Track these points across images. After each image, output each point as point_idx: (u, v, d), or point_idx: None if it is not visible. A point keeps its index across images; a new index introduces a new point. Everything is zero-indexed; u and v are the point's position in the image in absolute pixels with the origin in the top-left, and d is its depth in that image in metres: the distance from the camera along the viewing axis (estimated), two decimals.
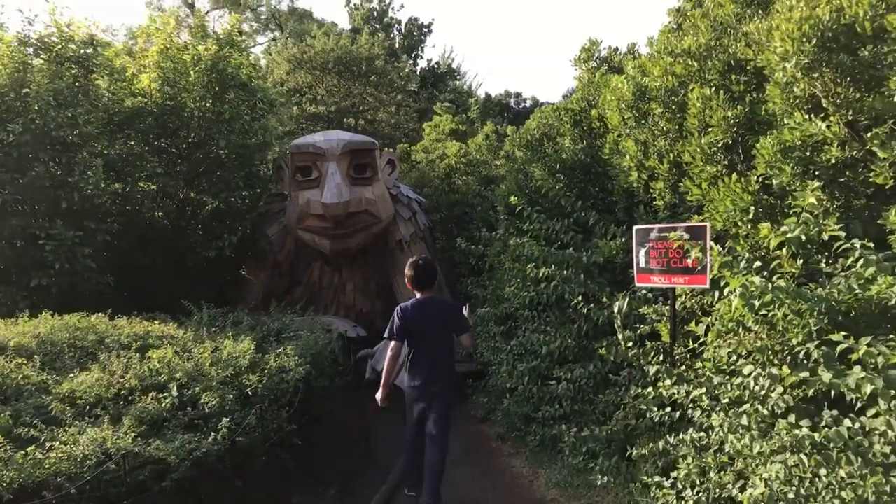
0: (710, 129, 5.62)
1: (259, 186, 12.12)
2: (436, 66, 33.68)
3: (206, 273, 11.37)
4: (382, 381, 6.38)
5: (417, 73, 30.93)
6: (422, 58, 33.22)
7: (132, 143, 11.29)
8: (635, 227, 5.90)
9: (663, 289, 5.93)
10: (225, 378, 5.83)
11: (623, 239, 6.94)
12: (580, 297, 6.73)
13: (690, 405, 4.97)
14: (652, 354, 5.68)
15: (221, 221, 11.31)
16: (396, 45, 31.41)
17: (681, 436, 5.00)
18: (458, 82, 34.29)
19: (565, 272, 6.81)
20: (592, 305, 6.53)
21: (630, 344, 5.85)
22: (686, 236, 5.25)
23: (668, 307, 5.84)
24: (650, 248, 5.79)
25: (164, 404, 5.13)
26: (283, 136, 13.79)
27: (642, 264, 5.84)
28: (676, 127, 6.16)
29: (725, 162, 5.59)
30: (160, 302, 9.71)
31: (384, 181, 11.61)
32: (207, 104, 11.19)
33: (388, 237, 11.82)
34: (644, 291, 6.26)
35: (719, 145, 5.55)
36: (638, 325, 6.07)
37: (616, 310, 6.02)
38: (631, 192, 7.19)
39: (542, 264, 7.06)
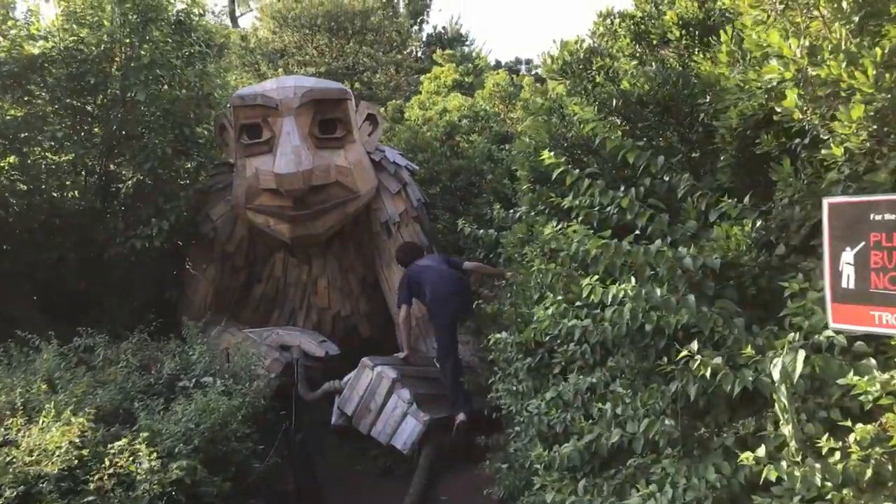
0: None
1: (198, 154, 8.89)
2: (443, 30, 30.51)
3: (135, 269, 8.47)
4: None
5: (423, 39, 27.86)
6: (427, 23, 30.01)
7: (33, 101, 8.33)
8: (827, 201, 2.64)
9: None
10: None
11: (760, 222, 3.62)
12: (678, 332, 3.48)
13: None
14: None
15: (148, 201, 8.19)
16: (401, 8, 28.15)
17: None
18: (466, 48, 31.26)
19: (650, 285, 3.50)
20: (706, 353, 3.21)
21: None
22: None
23: None
24: (871, 249, 2.50)
25: None
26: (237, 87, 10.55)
27: (848, 282, 2.56)
28: None
29: None
30: (76, 310, 7.87)
31: (362, 143, 8.32)
32: (125, 46, 8.12)
33: (371, 218, 8.58)
34: (839, 337, 2.95)
35: None
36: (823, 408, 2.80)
37: (777, 373, 2.75)
38: (755, 139, 3.92)
39: (601, 268, 3.75)
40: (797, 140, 3.69)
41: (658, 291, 3.35)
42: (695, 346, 3.14)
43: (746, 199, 3.91)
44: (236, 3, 28.87)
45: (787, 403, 2.76)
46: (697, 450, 3.49)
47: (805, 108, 3.19)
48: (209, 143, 9.05)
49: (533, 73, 24.78)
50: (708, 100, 4.49)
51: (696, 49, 4.97)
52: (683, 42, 4.95)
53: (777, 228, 3.82)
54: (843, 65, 2.96)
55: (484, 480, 5.92)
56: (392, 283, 8.51)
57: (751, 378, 3.04)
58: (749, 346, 3.00)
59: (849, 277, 2.55)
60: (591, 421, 4.23)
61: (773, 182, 4.21)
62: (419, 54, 25.23)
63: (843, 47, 3.04)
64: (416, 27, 27.85)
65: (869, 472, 2.62)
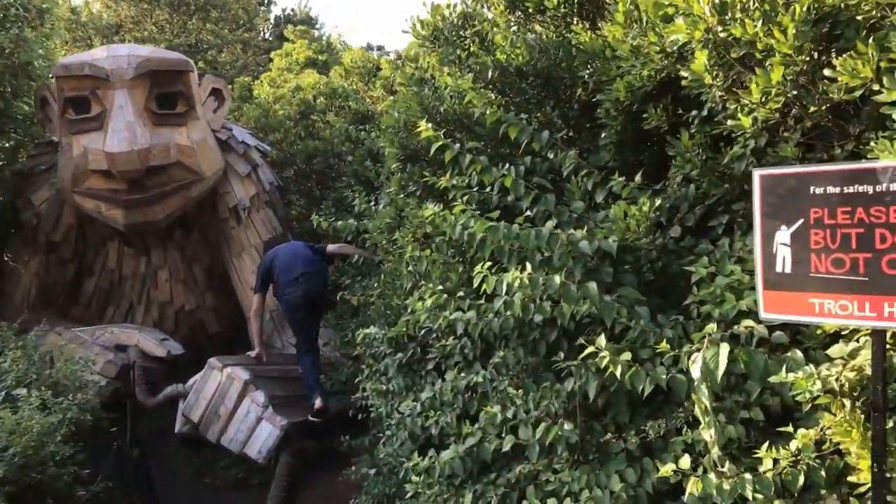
0: None
1: (17, 131, 7.79)
2: (292, 12, 29.33)
3: None
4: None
5: (272, 20, 26.64)
6: (276, 3, 28.79)
7: None
8: (758, 173, 2.29)
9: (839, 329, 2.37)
10: None
11: (658, 201, 3.28)
12: (570, 323, 3.09)
13: None
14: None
15: None
16: None
17: None
18: (316, 32, 30.21)
19: (545, 273, 3.08)
20: (607, 349, 2.82)
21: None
22: None
23: (844, 373, 2.26)
24: (810, 228, 2.17)
25: None
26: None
27: (783, 266, 2.23)
28: None
29: None
30: None
31: (207, 120, 7.52)
32: None
33: (218, 203, 7.79)
34: (759, 328, 2.63)
35: None
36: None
37: (697, 370, 2.39)
38: (641, 113, 3.60)
39: (487, 253, 3.30)
40: (694, 112, 3.38)
41: (556, 279, 2.93)
42: (602, 340, 2.74)
43: (638, 178, 3.58)
44: None
45: (708, 405, 2.41)
46: (596, 455, 3.11)
47: (715, 73, 2.86)
48: (29, 119, 7.95)
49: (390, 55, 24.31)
50: (590, 71, 4.14)
51: (575, 18, 4.62)
52: (562, 10, 4.58)
53: (670, 209, 3.52)
54: (759, 23, 2.64)
55: (349, 488, 5.40)
56: (243, 274, 7.81)
57: (664, 376, 2.68)
58: (664, 340, 2.63)
59: (784, 260, 2.21)
60: (473, 423, 3.80)
61: (660, 159, 3.93)
62: (267, 35, 24.10)
63: (755, 5, 2.72)
64: (263, 7, 26.62)
65: (801, 480, 2.31)
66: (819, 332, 2.54)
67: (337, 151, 8.12)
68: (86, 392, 4.85)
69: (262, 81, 10.98)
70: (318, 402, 6.07)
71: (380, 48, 28.33)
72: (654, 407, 3.08)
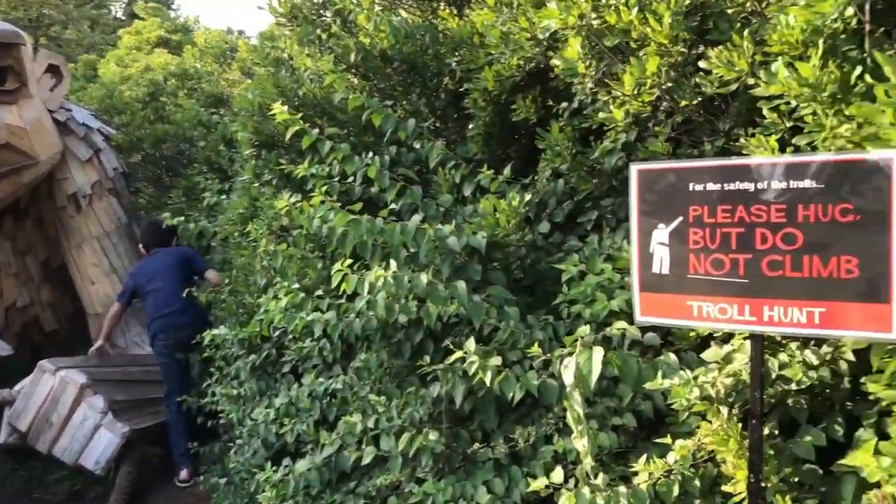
0: None
1: None
2: None
3: None
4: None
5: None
6: None
7: None
8: (636, 168, 2.15)
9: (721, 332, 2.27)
10: None
11: (528, 195, 3.11)
12: (436, 324, 2.89)
13: None
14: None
15: None
16: None
17: None
18: (172, 12, 28.70)
19: (410, 270, 2.86)
20: (475, 353, 2.63)
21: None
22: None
23: (720, 378, 2.16)
24: (689, 226, 2.05)
25: None
26: None
27: (661, 267, 2.10)
28: None
29: None
30: None
31: (42, 99, 6.82)
32: None
33: (56, 190, 7.09)
34: (632, 329, 2.50)
35: None
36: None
37: (570, 376, 2.24)
38: (510, 104, 3.45)
39: (349, 249, 3.04)
40: (564, 104, 3.26)
41: (423, 278, 2.71)
42: (471, 343, 2.54)
43: (507, 171, 3.42)
44: None
45: (581, 412, 2.26)
46: (462, 464, 2.93)
47: (588, 62, 2.72)
48: None
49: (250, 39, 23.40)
50: (458, 59, 3.95)
51: (441, 3, 4.43)
52: None
53: (538, 204, 3.38)
54: (635, 11, 2.52)
55: (197, 499, 5.01)
56: (83, 267, 7.16)
57: (535, 382, 2.51)
58: (535, 344, 2.46)
59: (661, 261, 2.08)
60: (331, 431, 3.54)
61: (529, 153, 3.80)
62: (119, 14, 22.68)
63: None
64: None
65: (676, 491, 2.20)
66: (692, 334, 2.45)
67: (188, 136, 7.59)
68: None
69: (108, 60, 10.17)
70: (184, 474, 5.48)
71: (240, 32, 27.38)
72: (523, 412, 2.92)
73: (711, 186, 2.00)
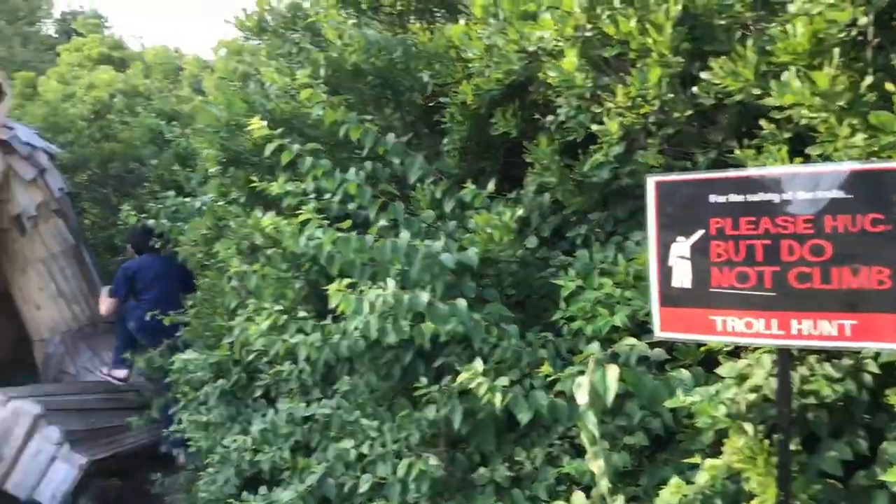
0: None
1: None
2: (79, 8, 26.91)
3: None
4: None
5: (57, 15, 24.32)
6: None
7: None
8: (654, 180, 2.09)
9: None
10: None
11: (520, 210, 3.02)
12: (426, 341, 2.78)
13: None
14: None
15: None
16: None
17: None
18: (106, 30, 27.93)
19: (411, 290, 2.73)
20: (480, 373, 2.52)
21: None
22: None
23: (742, 394, 2.10)
24: (711, 239, 1.99)
25: None
26: None
27: (681, 281, 2.03)
28: None
29: None
30: None
31: None
32: None
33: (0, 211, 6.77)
34: (641, 345, 2.43)
35: None
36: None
37: (584, 395, 2.16)
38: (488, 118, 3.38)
39: (335, 267, 2.90)
40: (550, 117, 3.19)
41: (423, 296, 2.59)
42: (479, 364, 2.44)
43: (490, 185, 3.34)
44: None
45: (596, 433, 2.17)
46: (460, 489, 2.81)
47: (585, 73, 2.65)
48: None
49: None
50: (431, 73, 3.86)
51: (411, 17, 4.34)
52: (398, 8, 4.28)
53: (522, 219, 3.30)
54: (634, 21, 2.47)
55: None
56: (28, 292, 6.82)
57: (544, 402, 2.42)
58: (545, 363, 2.37)
59: (682, 274, 2.01)
60: (309, 456, 3.39)
61: (504, 167, 3.75)
62: (51, 31, 22.02)
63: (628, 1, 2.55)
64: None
65: None
66: (702, 349, 2.39)
67: (138, 155, 7.31)
68: None
69: (49, 77, 9.78)
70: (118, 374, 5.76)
71: (176, 50, 26.84)
72: (521, 433, 2.82)
73: (734, 198, 1.94)
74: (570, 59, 2.60)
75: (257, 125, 3.24)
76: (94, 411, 5.57)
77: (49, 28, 21.85)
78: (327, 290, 2.92)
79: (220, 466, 3.99)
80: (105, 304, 6.09)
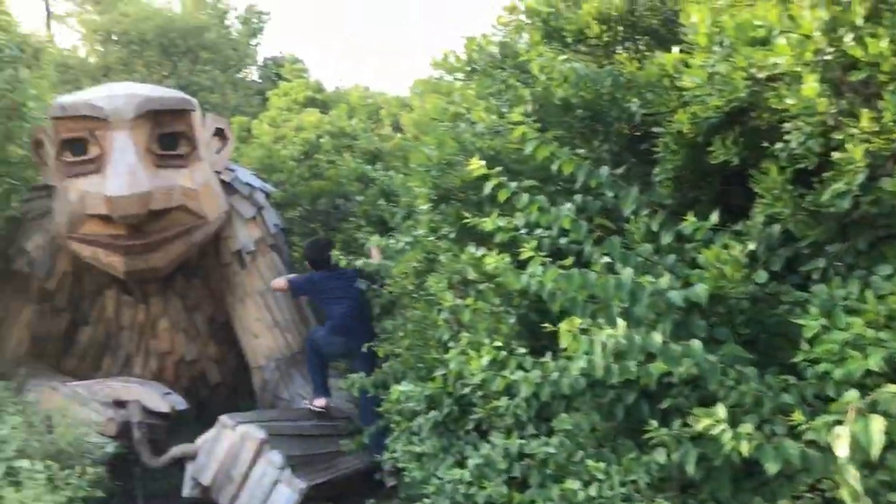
0: None
1: (10, 176, 7.31)
2: (280, 53, 29.02)
3: None
4: None
5: (260, 61, 26.36)
6: (261, 44, 28.54)
7: None
8: None
9: None
10: None
11: (751, 244, 2.87)
12: (653, 381, 2.67)
13: None
14: None
15: None
16: (234, 34, 26.40)
17: None
18: (305, 75, 29.89)
19: (643, 329, 2.66)
20: (703, 414, 2.39)
21: None
22: None
23: None
24: None
25: None
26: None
27: None
28: None
29: None
30: None
31: (210, 161, 7.09)
32: None
33: (221, 247, 7.33)
34: None
35: None
36: None
37: (844, 446, 1.98)
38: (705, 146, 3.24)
39: (558, 306, 2.88)
40: (779, 145, 3.01)
41: (657, 336, 2.51)
42: (722, 410, 2.32)
43: (714, 217, 3.19)
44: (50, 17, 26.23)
45: (859, 488, 1.99)
46: None
47: (831, 100, 2.49)
48: (24, 162, 7.48)
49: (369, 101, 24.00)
50: (641, 102, 3.78)
51: (619, 47, 4.29)
52: (604, 39, 4.24)
53: (750, 253, 3.13)
54: (886, 42, 2.28)
55: None
56: (246, 321, 7.33)
57: (795, 452, 2.26)
58: (796, 410, 2.22)
59: None
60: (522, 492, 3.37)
61: (719, 197, 3.59)
62: (256, 77, 23.85)
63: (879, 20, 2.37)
64: (252, 47, 26.36)
65: None
66: None
67: (344, 191, 7.72)
68: (89, 457, 4.31)
69: (261, 121, 10.60)
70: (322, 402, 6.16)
71: (366, 89, 28.22)
72: (761, 480, 2.65)
73: None
74: (811, 85, 2.45)
75: (476, 165, 3.30)
76: (310, 437, 5.87)
77: (253, 74, 23.70)
78: (544, 326, 2.92)
79: (435, 498, 4.04)
80: (279, 283, 6.73)
